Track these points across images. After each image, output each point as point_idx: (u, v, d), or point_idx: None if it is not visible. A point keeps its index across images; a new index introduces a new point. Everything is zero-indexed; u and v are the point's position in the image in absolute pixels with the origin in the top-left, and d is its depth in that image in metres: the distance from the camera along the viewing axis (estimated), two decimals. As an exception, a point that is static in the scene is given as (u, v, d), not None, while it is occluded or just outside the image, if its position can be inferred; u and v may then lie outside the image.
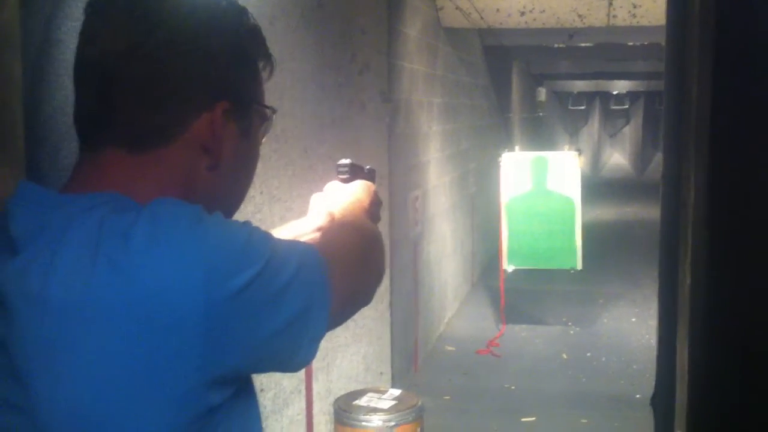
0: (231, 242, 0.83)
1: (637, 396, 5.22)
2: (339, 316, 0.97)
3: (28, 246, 0.83)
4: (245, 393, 0.90)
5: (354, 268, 1.02)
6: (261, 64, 0.98)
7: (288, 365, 0.92)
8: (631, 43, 8.05)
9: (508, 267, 6.78)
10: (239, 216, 0.95)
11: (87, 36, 0.90)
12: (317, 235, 1.24)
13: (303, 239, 1.21)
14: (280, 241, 0.90)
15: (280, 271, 0.86)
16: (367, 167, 1.40)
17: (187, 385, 0.80)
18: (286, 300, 0.86)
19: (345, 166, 1.35)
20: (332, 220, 1.21)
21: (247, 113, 0.96)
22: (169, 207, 0.83)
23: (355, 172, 1.36)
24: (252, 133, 0.98)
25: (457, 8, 6.67)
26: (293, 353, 0.90)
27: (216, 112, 0.91)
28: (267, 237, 0.88)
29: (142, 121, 0.88)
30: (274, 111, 1.01)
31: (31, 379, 0.80)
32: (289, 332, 0.88)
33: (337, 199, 1.27)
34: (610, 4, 6.48)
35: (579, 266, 6.75)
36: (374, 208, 1.31)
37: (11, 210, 0.87)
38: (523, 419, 4.99)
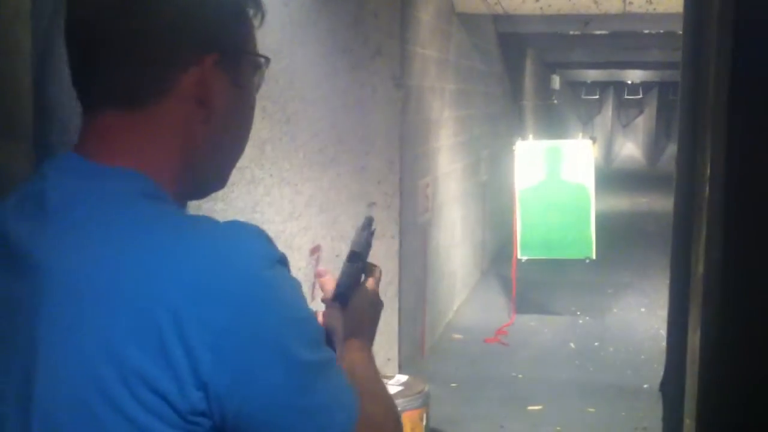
0: (289, 306, 0.83)
1: (645, 386, 5.20)
2: None
3: (65, 216, 0.84)
4: None
5: None
6: (251, 12, 0.97)
7: None
8: (646, 31, 7.97)
9: (522, 257, 6.75)
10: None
11: None
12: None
13: None
14: (336, 374, 0.86)
15: (308, 392, 0.82)
16: (364, 235, 1.15)
17: (183, 388, 0.77)
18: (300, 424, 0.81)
19: (342, 295, 1.11)
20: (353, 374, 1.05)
21: (238, 63, 0.95)
22: (247, 244, 0.82)
23: (352, 281, 1.13)
24: (245, 83, 0.96)
25: (471, -7, 6.62)
26: None
27: (206, 63, 0.90)
28: (332, 356, 0.87)
29: (133, 77, 0.88)
30: (267, 59, 0.99)
31: (37, 350, 0.80)
32: None
33: (352, 346, 1.12)
34: (627, -10, 6.42)
35: (593, 255, 6.72)
36: (376, 324, 1.19)
37: (49, 175, 0.88)
38: (530, 408, 4.99)
